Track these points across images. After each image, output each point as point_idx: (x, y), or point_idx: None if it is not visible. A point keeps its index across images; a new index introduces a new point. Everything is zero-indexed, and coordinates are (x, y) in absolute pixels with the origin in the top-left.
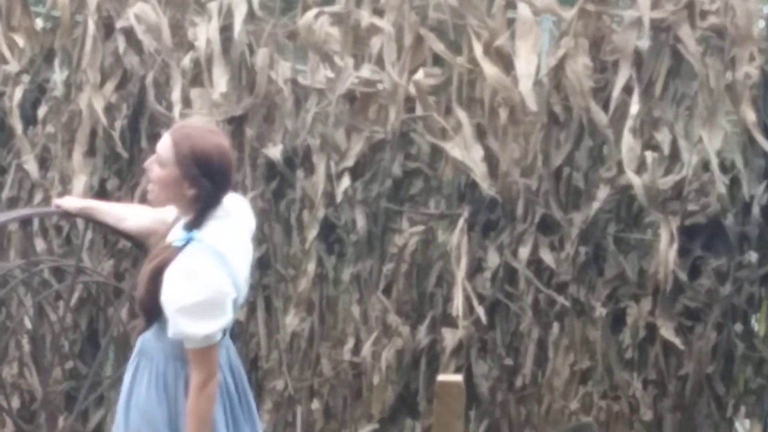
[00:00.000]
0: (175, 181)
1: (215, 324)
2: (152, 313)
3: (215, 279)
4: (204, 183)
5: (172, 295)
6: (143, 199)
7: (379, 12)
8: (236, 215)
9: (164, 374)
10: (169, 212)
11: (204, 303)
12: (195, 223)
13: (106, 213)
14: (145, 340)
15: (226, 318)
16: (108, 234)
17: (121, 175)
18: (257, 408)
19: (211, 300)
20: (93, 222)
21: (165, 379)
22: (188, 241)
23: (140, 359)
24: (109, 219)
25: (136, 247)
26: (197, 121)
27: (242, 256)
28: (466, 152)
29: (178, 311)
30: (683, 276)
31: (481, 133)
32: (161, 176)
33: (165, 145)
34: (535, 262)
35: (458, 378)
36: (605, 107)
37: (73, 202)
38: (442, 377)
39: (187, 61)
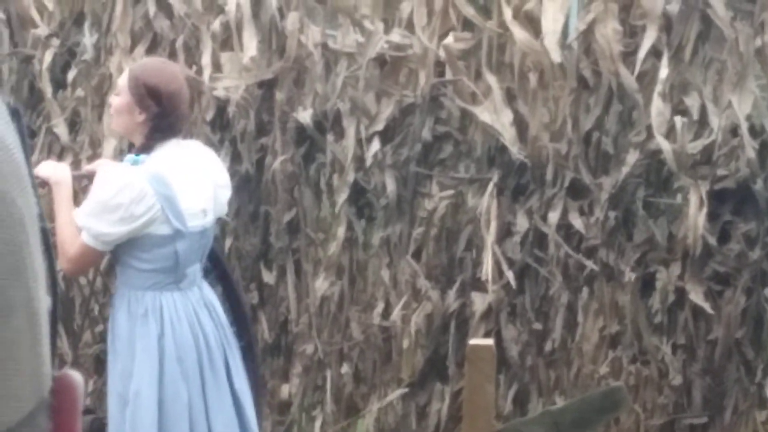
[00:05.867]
0: (128, 106)
1: (107, 227)
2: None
3: (133, 191)
4: (150, 105)
5: (90, 194)
6: None
7: None
8: (195, 157)
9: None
10: None
11: (109, 205)
12: (143, 148)
13: None
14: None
15: (125, 229)
16: None
17: None
18: (290, 369)
19: (114, 206)
20: None
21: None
22: (134, 163)
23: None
24: None
25: None
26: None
27: (192, 188)
28: (495, 116)
29: (86, 203)
30: (712, 240)
31: (510, 98)
32: (117, 103)
33: (123, 76)
34: (564, 227)
35: (489, 342)
36: (635, 72)
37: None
38: (473, 341)
39: (217, 24)
